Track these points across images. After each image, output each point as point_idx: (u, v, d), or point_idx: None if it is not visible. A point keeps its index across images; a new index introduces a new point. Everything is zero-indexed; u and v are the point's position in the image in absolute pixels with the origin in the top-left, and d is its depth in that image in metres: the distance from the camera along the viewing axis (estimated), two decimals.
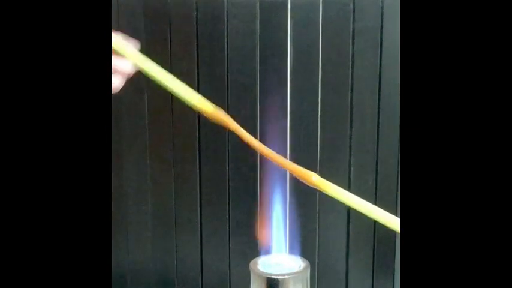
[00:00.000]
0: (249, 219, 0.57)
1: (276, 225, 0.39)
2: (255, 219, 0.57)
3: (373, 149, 0.55)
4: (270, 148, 0.35)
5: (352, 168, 0.55)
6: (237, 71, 0.54)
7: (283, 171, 0.54)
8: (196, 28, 0.55)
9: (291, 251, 0.39)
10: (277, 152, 0.35)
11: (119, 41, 0.36)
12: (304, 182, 0.33)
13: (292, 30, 0.53)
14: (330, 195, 0.33)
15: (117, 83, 0.37)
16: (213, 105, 0.35)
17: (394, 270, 0.57)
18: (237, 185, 0.57)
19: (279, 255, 0.37)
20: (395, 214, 0.57)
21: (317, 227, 0.56)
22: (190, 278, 0.60)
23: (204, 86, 0.55)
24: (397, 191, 0.55)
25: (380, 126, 0.54)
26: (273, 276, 0.34)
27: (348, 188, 0.55)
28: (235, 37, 0.54)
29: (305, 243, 0.56)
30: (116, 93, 0.35)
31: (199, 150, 0.57)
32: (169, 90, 0.35)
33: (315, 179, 0.33)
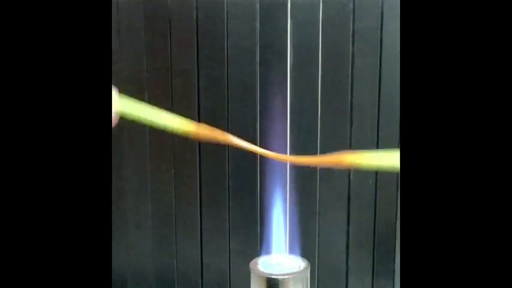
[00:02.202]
0: (249, 219, 0.57)
1: (276, 224, 0.39)
2: (255, 219, 0.57)
3: (373, 149, 0.55)
4: (269, 148, 0.35)
5: (352, 168, 0.55)
6: (237, 71, 0.54)
7: (283, 171, 0.54)
8: (196, 28, 0.55)
9: (291, 251, 0.39)
10: (277, 152, 0.35)
11: None
12: (340, 166, 0.31)
13: (292, 30, 0.53)
14: (368, 167, 0.30)
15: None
16: (195, 123, 0.34)
17: (394, 270, 0.57)
18: (237, 185, 0.57)
19: (279, 255, 0.37)
20: (395, 216, 0.57)
21: (317, 227, 0.56)
22: (190, 278, 0.60)
23: (204, 86, 0.55)
24: (397, 191, 0.55)
25: (380, 126, 0.54)
26: (273, 276, 0.34)
27: (348, 188, 0.55)
28: (235, 37, 0.54)
29: (305, 243, 0.56)
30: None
31: (199, 150, 0.57)
32: (153, 124, 0.34)
33: (348, 159, 0.31)
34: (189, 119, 0.33)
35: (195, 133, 0.33)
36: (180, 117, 0.33)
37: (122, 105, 0.32)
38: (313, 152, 0.55)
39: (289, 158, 0.33)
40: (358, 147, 0.55)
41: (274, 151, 0.35)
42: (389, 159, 0.30)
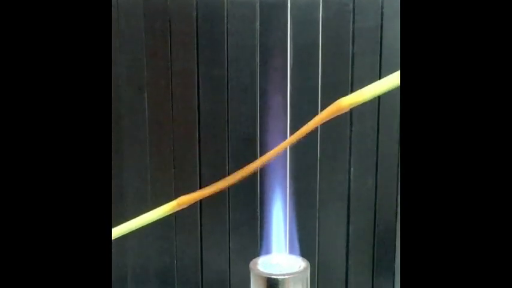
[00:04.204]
0: (249, 219, 0.57)
1: (276, 224, 0.39)
2: (255, 219, 0.57)
3: (373, 149, 0.55)
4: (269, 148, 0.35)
5: (352, 168, 0.55)
6: (237, 71, 0.54)
7: (283, 172, 0.54)
8: (196, 28, 0.55)
9: (291, 251, 0.39)
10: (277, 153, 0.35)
11: None
12: (342, 112, 0.30)
13: (292, 30, 0.53)
14: (368, 99, 0.30)
15: None
16: (175, 200, 0.34)
17: (394, 270, 0.57)
18: (237, 185, 0.57)
19: (279, 255, 0.37)
20: (395, 215, 0.57)
21: (317, 227, 0.56)
22: (190, 277, 0.60)
23: (204, 86, 0.55)
24: (397, 191, 0.55)
25: (380, 126, 0.54)
26: (273, 276, 0.34)
27: (348, 188, 0.55)
28: (235, 37, 0.54)
29: (305, 243, 0.56)
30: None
31: (199, 150, 0.57)
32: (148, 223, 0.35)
33: (345, 102, 0.29)
34: (166, 203, 0.34)
35: (178, 207, 0.34)
36: (160, 206, 0.34)
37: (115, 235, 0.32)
38: (313, 151, 0.55)
39: (288, 141, 0.33)
40: (358, 147, 0.55)
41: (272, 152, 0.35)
42: (387, 82, 0.29)
